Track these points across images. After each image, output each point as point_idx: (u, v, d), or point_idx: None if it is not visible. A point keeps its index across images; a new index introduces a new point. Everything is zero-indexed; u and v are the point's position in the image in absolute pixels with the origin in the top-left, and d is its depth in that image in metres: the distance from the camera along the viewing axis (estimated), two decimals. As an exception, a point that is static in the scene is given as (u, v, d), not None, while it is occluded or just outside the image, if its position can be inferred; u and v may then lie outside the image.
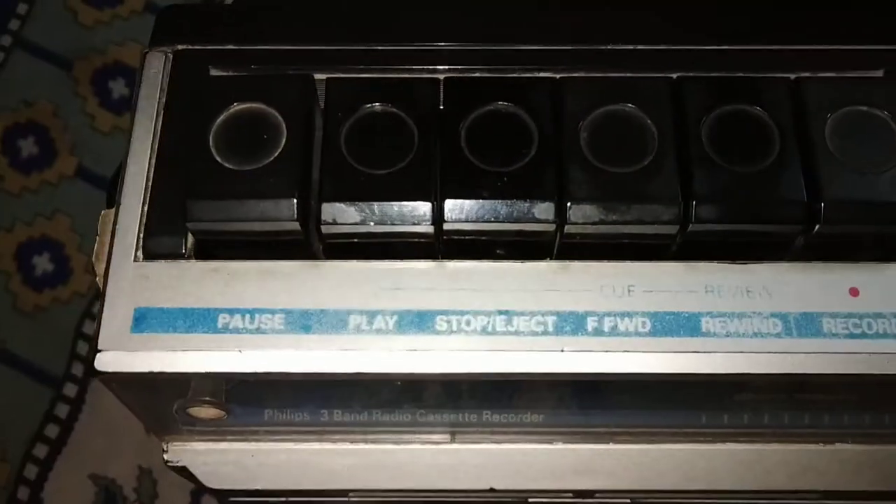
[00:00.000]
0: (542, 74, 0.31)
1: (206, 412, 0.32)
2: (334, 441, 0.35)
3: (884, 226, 0.29)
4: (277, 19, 0.35)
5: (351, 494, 0.37)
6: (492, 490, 0.35)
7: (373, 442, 0.35)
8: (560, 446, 0.36)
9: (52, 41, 0.80)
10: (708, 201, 0.29)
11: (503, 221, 0.29)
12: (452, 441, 0.35)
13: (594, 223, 0.29)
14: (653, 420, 0.34)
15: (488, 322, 0.29)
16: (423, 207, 0.29)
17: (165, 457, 0.36)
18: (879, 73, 0.32)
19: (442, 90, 0.31)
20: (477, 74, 0.32)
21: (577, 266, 0.30)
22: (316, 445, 0.35)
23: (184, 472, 0.36)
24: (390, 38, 0.33)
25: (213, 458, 0.36)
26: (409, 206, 0.29)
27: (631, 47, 0.33)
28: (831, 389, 0.31)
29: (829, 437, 0.35)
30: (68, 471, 0.69)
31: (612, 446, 0.35)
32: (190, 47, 0.33)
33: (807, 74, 0.31)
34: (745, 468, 0.36)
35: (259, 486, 0.36)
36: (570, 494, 0.37)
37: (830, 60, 0.32)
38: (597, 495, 0.37)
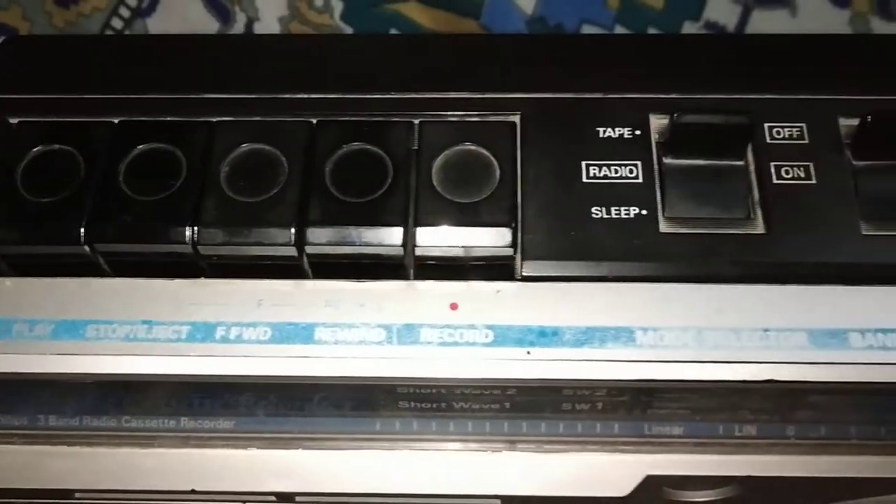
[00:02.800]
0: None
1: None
2: (54, 444, 0.40)
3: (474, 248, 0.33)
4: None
5: (77, 495, 0.41)
6: (193, 491, 0.39)
7: (89, 445, 0.40)
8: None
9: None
10: (316, 226, 0.33)
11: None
12: (155, 446, 0.39)
13: (220, 244, 0.34)
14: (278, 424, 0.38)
15: (131, 330, 0.34)
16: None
17: None
18: (516, 118, 0.37)
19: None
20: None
21: (217, 282, 0.35)
22: (37, 448, 0.40)
23: None
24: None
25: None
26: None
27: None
28: (433, 394, 0.35)
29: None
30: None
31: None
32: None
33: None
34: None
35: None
36: (274, 497, 0.40)
37: (464, 105, 0.37)
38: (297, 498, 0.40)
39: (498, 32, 0.56)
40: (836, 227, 0.34)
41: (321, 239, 0.33)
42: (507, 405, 0.36)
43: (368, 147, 0.35)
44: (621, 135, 0.36)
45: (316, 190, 0.34)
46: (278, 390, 0.36)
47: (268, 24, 0.57)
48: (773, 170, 0.35)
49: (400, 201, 0.33)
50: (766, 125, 0.36)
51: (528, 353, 0.33)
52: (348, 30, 0.56)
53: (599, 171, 0.35)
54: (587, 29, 0.55)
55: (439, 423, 0.36)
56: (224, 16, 0.57)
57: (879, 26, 0.55)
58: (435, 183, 0.34)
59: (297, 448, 0.39)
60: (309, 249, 0.33)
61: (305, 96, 0.37)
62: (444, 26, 0.56)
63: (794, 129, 0.36)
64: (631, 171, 0.35)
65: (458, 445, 0.38)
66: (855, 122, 0.35)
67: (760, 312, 0.33)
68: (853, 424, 0.36)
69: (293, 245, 0.33)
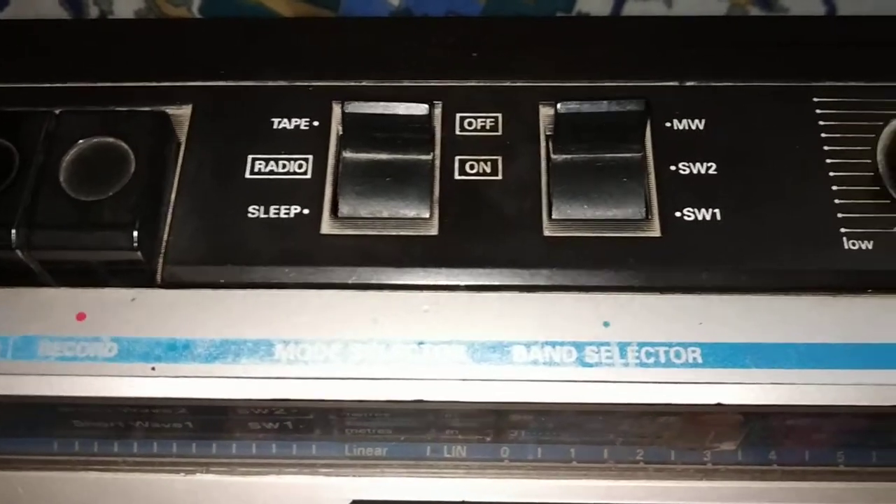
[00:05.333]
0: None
1: None
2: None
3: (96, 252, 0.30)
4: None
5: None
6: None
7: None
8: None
9: None
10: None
11: None
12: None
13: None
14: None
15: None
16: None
17: None
18: (187, 109, 0.33)
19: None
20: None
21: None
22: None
23: None
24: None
25: None
26: None
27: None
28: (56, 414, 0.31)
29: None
30: None
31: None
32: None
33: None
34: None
35: None
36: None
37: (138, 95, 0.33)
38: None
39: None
40: (516, 228, 0.30)
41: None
42: (189, 424, 0.33)
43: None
44: (297, 126, 0.32)
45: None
46: None
47: (123, 17, 0.54)
48: (456, 165, 0.32)
49: (16, 199, 0.30)
50: (457, 115, 0.33)
51: (153, 368, 0.29)
52: (208, 23, 0.53)
53: (265, 165, 0.32)
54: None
55: (83, 444, 0.33)
56: (77, 9, 0.55)
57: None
58: (62, 179, 0.30)
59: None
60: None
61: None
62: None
63: (488, 120, 0.32)
64: (300, 167, 0.32)
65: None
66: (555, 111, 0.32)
67: (417, 323, 0.29)
68: (539, 445, 0.32)
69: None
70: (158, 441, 0.33)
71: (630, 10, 0.53)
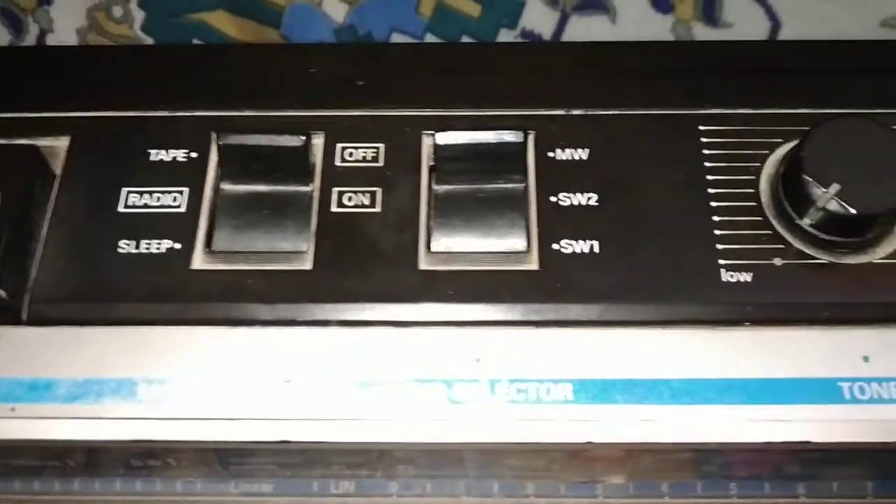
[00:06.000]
0: None
1: None
2: None
3: None
4: None
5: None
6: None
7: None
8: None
9: None
10: None
11: None
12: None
13: None
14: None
15: None
16: None
17: None
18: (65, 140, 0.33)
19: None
20: None
21: None
22: None
23: None
24: None
25: None
26: None
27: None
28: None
29: None
30: None
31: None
32: None
33: None
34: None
35: None
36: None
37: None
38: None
39: (299, 42, 0.52)
40: (391, 262, 0.30)
41: None
42: (71, 463, 0.32)
43: None
44: (174, 158, 0.32)
45: None
46: None
47: (64, 35, 0.54)
48: (335, 196, 0.31)
49: None
50: (338, 146, 0.32)
51: (13, 409, 0.28)
52: (149, 41, 0.53)
53: (140, 198, 0.31)
54: (397, 38, 0.52)
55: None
56: (17, 27, 0.54)
57: (703, 33, 0.52)
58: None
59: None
60: None
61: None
62: (250, 36, 0.53)
63: (370, 151, 0.32)
64: (175, 200, 0.31)
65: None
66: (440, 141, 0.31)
67: (285, 361, 0.29)
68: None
69: None
70: (35, 479, 0.32)
71: (574, 26, 0.53)
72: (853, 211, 0.28)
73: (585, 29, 0.52)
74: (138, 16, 0.53)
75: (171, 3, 0.51)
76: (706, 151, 0.32)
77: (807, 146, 0.29)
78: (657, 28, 0.53)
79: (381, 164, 0.32)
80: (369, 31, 0.53)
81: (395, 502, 0.33)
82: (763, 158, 0.31)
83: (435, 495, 0.33)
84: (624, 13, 0.52)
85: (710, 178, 0.31)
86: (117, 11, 0.53)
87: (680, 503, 0.33)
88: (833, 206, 0.29)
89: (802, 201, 0.29)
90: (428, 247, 0.30)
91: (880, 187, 0.28)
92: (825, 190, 0.28)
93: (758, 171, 0.31)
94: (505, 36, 0.51)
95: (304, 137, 0.30)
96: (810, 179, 0.29)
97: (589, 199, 0.31)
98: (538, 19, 0.52)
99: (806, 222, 0.29)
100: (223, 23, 0.53)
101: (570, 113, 0.32)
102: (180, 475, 0.32)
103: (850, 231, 0.29)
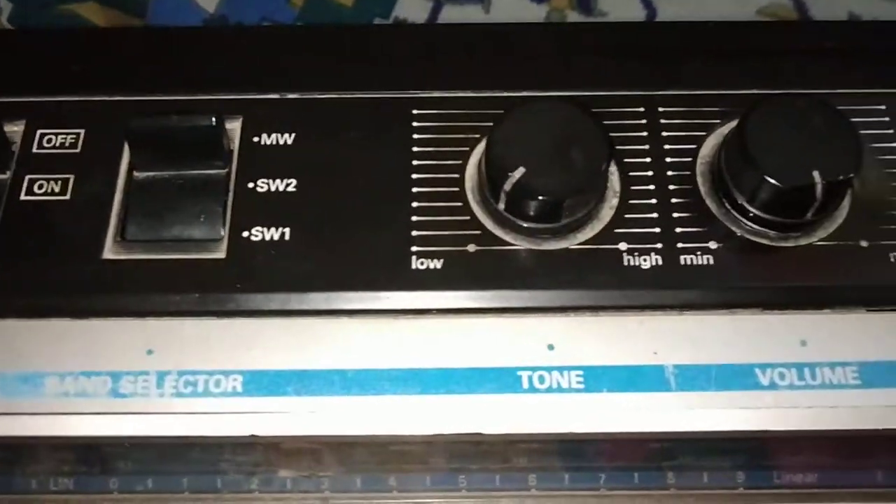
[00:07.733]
0: None
1: None
2: None
3: None
4: None
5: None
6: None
7: None
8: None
9: None
10: None
11: None
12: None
13: None
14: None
15: None
16: None
17: None
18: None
19: None
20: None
21: None
22: None
23: None
24: None
25: None
26: None
27: None
28: None
29: None
30: None
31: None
32: None
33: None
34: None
35: None
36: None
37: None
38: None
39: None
40: (74, 252, 0.29)
41: None
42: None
43: None
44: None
45: None
46: None
47: None
48: (26, 184, 0.30)
49: None
50: (38, 132, 0.31)
51: None
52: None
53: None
54: (267, 27, 0.51)
55: None
56: None
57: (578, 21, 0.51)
58: None
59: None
60: None
61: None
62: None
63: (69, 137, 0.31)
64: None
65: None
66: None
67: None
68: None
69: None
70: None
71: (448, 15, 0.52)
72: (540, 196, 0.28)
73: (459, 17, 0.52)
74: (6, 7, 0.51)
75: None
76: (416, 136, 0.31)
77: (496, 129, 0.28)
78: (531, 17, 0.52)
79: (78, 150, 0.30)
80: (240, 21, 0.52)
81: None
82: (474, 143, 0.30)
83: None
84: (497, 1, 0.51)
85: (416, 163, 0.30)
86: (-18, 2, 0.52)
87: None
88: (518, 189, 0.28)
89: (495, 185, 0.28)
90: (117, 236, 0.29)
91: (566, 172, 0.28)
92: (511, 173, 0.28)
93: (467, 157, 0.30)
94: (379, 25, 0.50)
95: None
96: (499, 162, 0.28)
97: (287, 185, 0.30)
98: (411, 8, 0.51)
99: (501, 207, 0.29)
100: (90, 13, 0.52)
101: (284, 97, 0.32)
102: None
103: (544, 216, 0.28)
